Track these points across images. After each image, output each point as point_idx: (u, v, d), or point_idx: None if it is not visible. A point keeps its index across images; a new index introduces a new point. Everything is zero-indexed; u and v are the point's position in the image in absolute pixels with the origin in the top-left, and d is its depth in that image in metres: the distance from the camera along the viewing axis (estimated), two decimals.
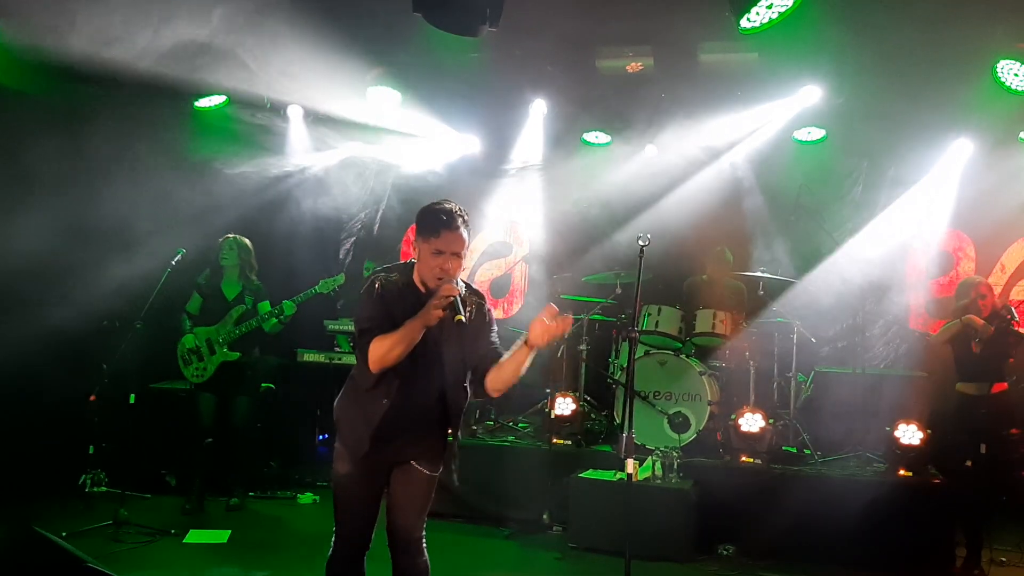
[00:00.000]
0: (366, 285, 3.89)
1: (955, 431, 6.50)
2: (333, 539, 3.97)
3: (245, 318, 7.17)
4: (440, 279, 3.77)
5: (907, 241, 8.83)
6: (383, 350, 3.70)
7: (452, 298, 3.68)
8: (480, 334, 3.95)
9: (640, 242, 4.74)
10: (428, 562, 4.03)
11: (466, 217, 3.88)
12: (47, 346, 7.24)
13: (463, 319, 3.68)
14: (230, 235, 7.37)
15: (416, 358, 3.77)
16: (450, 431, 3.96)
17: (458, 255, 3.81)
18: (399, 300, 3.81)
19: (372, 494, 3.94)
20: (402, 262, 4.10)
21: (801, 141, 8.83)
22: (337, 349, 9.08)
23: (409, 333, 3.69)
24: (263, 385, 7.87)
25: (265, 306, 7.22)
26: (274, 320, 7.12)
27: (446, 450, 4.00)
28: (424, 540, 4.03)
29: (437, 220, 3.79)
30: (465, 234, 3.85)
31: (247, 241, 7.42)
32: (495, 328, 4.06)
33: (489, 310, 4.07)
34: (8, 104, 6.96)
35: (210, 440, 7.26)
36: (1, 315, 7.14)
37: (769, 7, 5.99)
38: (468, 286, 4.03)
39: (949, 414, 6.68)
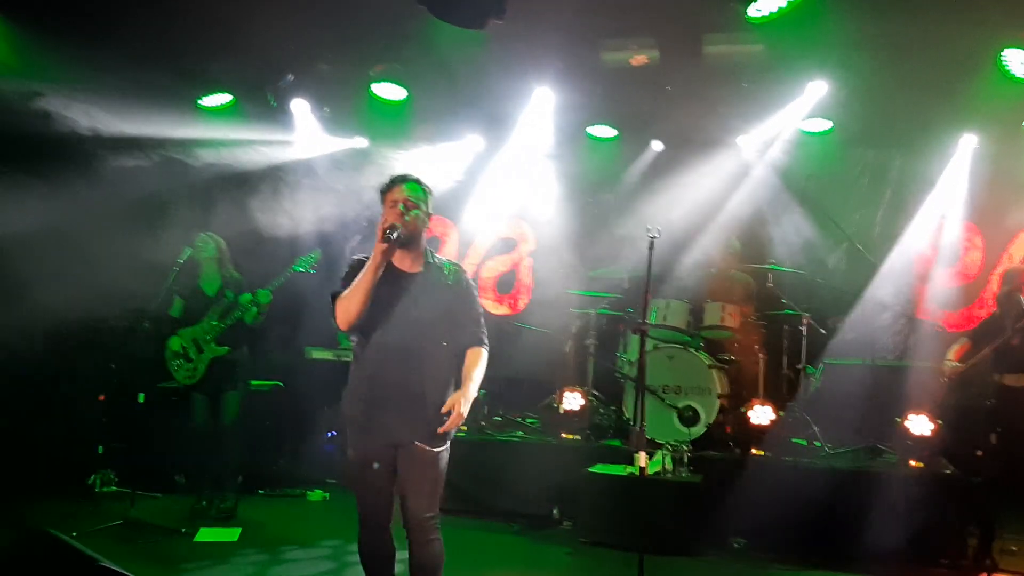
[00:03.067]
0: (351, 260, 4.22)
1: (992, 422, 6.43)
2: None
3: (228, 311, 6.97)
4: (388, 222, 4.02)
5: (914, 231, 8.79)
6: (344, 303, 4.00)
7: (389, 224, 3.95)
8: (457, 298, 4.20)
9: (650, 235, 4.72)
10: (441, 544, 4.10)
11: (424, 183, 4.21)
12: (56, 347, 7.26)
13: (399, 230, 3.94)
14: (204, 233, 7.23)
15: (389, 320, 4.03)
16: (432, 397, 4.04)
17: (409, 203, 4.09)
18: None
19: (381, 475, 4.06)
20: None
21: (808, 132, 8.80)
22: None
23: (362, 279, 3.95)
24: (264, 383, 7.82)
25: (246, 297, 6.97)
26: (254, 311, 6.90)
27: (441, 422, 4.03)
28: (436, 521, 4.08)
29: (391, 178, 4.20)
30: (420, 188, 4.16)
31: (221, 238, 7.27)
32: (475, 300, 4.28)
33: (468, 281, 4.30)
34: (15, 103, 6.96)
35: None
36: (10, 316, 7.14)
37: None
38: (449, 260, 4.33)
39: (979, 405, 6.61)
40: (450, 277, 4.21)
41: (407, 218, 4.06)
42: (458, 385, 4.12)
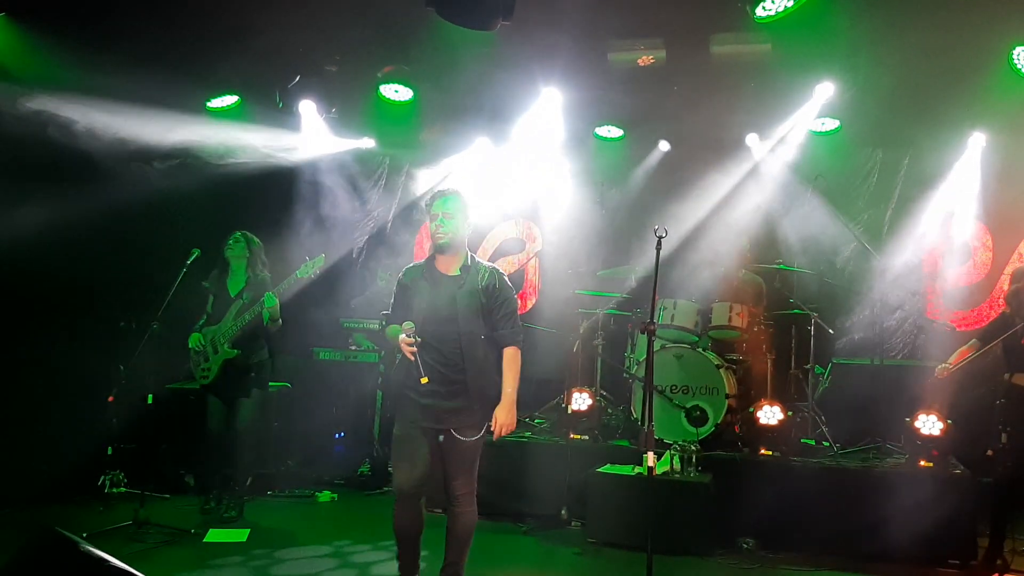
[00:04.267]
0: (399, 275, 4.98)
1: (1003, 422, 6.36)
2: None
3: (242, 312, 6.93)
4: (435, 235, 4.76)
5: (924, 231, 8.77)
6: (391, 339, 4.82)
7: (414, 331, 4.59)
8: (492, 299, 4.78)
9: (657, 234, 4.72)
10: (475, 513, 4.77)
11: (459, 195, 4.81)
12: (65, 348, 7.28)
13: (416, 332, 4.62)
14: (238, 231, 7.24)
15: (432, 317, 4.66)
16: (471, 392, 4.65)
17: (445, 215, 4.72)
18: (415, 281, 4.83)
19: (417, 453, 4.65)
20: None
21: (816, 132, 8.78)
22: (353, 348, 9.08)
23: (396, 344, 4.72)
24: (273, 385, 7.79)
25: (270, 299, 6.85)
26: (266, 314, 6.83)
27: (481, 416, 4.70)
28: (471, 495, 4.74)
29: (431, 195, 4.84)
30: (455, 200, 4.77)
31: (256, 238, 7.27)
32: (509, 301, 4.84)
33: (503, 283, 4.85)
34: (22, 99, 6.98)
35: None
36: (19, 317, 7.18)
37: None
38: (487, 264, 4.93)
39: (989, 405, 6.56)
40: (485, 279, 4.79)
41: (444, 229, 4.71)
42: (499, 374, 4.75)
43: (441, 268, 4.83)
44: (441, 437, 4.68)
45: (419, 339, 4.59)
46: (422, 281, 4.80)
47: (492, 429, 4.68)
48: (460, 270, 4.80)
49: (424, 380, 4.53)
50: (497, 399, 4.72)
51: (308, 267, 6.78)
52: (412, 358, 4.58)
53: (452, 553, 4.78)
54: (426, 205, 4.84)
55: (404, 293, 4.85)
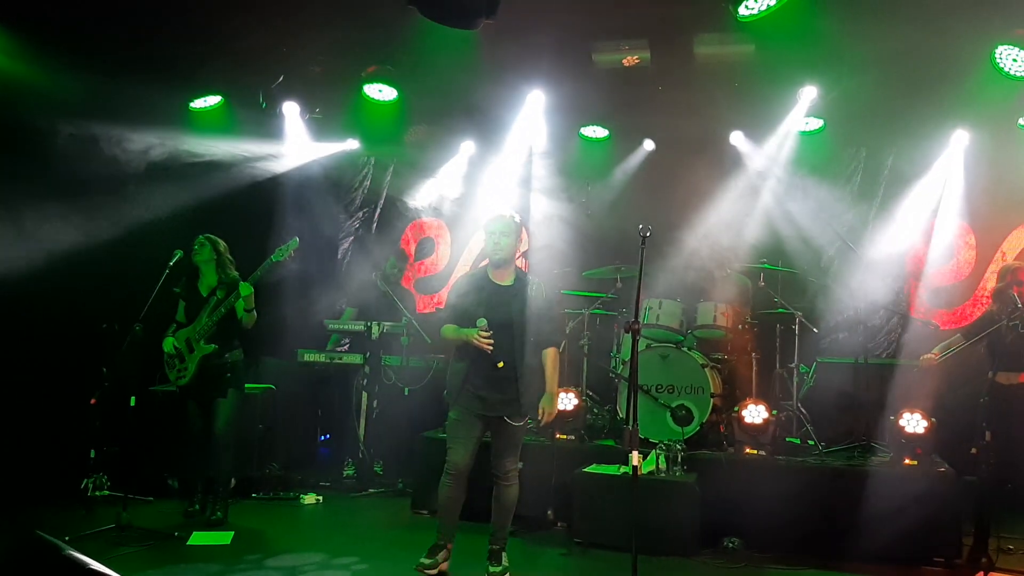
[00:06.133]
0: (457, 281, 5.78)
1: (987, 420, 6.37)
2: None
3: (217, 308, 6.88)
4: (492, 252, 5.52)
5: (907, 230, 8.81)
6: (446, 338, 5.55)
7: (491, 346, 5.30)
8: (539, 307, 5.48)
9: (642, 233, 4.72)
10: (519, 488, 5.65)
11: (513, 217, 5.55)
12: (47, 350, 7.22)
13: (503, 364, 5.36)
14: (201, 235, 7.15)
15: (491, 321, 5.29)
16: (520, 386, 5.38)
17: (499, 234, 5.45)
18: (472, 286, 5.56)
19: (469, 435, 5.51)
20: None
21: (800, 132, 8.80)
22: (338, 348, 9.02)
23: (458, 340, 5.45)
24: (256, 387, 7.73)
25: (245, 287, 6.82)
26: (241, 304, 6.80)
27: (526, 405, 5.46)
28: (516, 471, 5.61)
29: (489, 217, 5.56)
30: (509, 222, 5.49)
31: (220, 240, 7.19)
32: (552, 308, 5.66)
33: (549, 294, 5.65)
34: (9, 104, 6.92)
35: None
36: (1, 320, 7.12)
37: None
38: (534, 277, 5.67)
39: (974, 403, 6.58)
40: (534, 290, 5.50)
41: (500, 247, 5.44)
42: (542, 371, 5.52)
43: (497, 279, 5.54)
44: (491, 421, 5.49)
45: (491, 331, 5.27)
46: (480, 290, 5.49)
47: (538, 417, 5.51)
48: (514, 281, 5.54)
49: (500, 365, 5.30)
50: (539, 391, 5.49)
51: (283, 251, 6.93)
52: (489, 349, 5.26)
53: (499, 519, 5.67)
54: (484, 225, 5.54)
55: (463, 299, 5.50)
